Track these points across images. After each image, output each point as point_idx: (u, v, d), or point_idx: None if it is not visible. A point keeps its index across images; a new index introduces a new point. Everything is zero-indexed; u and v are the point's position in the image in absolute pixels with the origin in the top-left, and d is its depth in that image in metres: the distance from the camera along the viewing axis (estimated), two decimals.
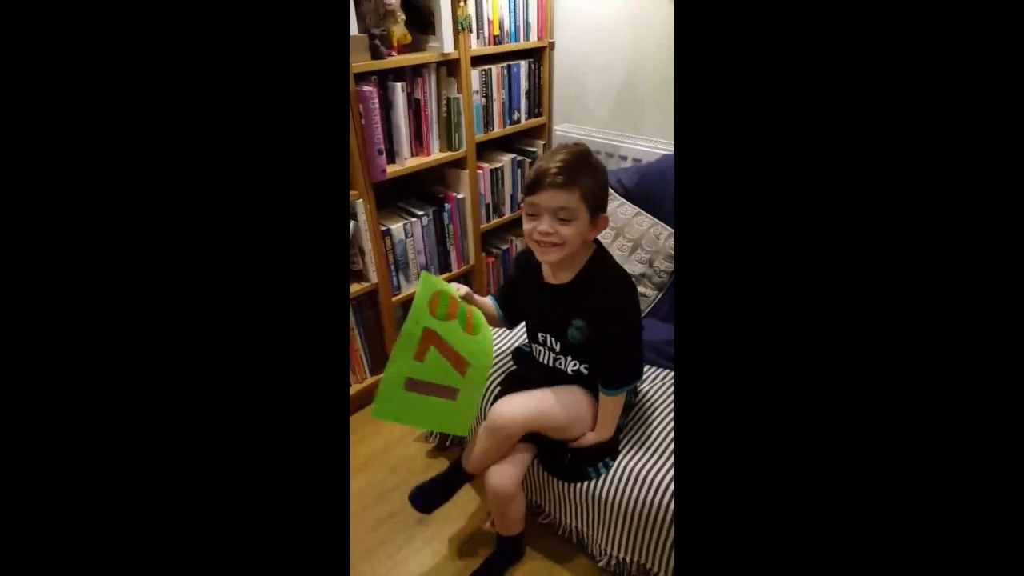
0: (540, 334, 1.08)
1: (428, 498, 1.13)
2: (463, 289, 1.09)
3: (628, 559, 1.06)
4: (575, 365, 1.05)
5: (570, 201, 0.87)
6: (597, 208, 0.91)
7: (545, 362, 1.10)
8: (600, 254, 0.99)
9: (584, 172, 0.87)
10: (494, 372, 1.24)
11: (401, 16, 1.37)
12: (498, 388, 1.20)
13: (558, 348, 1.06)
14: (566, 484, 1.07)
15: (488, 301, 1.16)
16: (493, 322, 1.15)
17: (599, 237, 0.99)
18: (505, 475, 1.04)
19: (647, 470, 1.00)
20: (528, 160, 1.87)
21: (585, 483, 1.04)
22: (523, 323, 1.19)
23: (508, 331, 1.36)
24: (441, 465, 1.43)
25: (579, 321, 0.99)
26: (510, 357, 1.28)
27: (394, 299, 1.59)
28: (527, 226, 0.92)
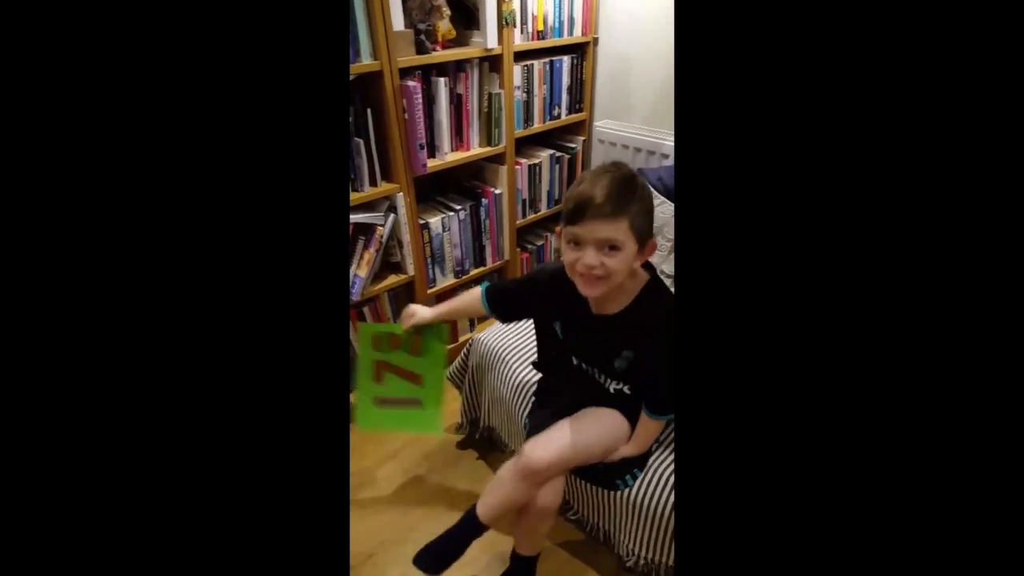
0: (575, 359, 1.04)
1: (437, 557, 1.00)
2: (416, 315, 1.08)
3: (656, 560, 1.05)
4: (618, 385, 1.02)
5: (617, 232, 0.80)
6: (645, 235, 0.85)
7: (586, 371, 1.06)
8: (654, 284, 0.94)
9: (631, 198, 0.81)
10: (522, 365, 1.25)
11: (447, 11, 1.38)
12: (532, 399, 1.20)
13: (596, 370, 1.03)
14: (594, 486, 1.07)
15: (470, 296, 1.12)
16: (478, 312, 1.12)
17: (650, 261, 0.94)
18: (555, 490, 0.98)
19: (673, 471, 0.99)
20: (567, 156, 1.87)
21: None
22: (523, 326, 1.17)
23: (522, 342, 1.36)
24: (470, 456, 1.45)
25: (628, 352, 0.96)
26: (529, 365, 1.24)
27: (430, 291, 1.61)
28: (569, 256, 0.84)
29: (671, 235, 1.41)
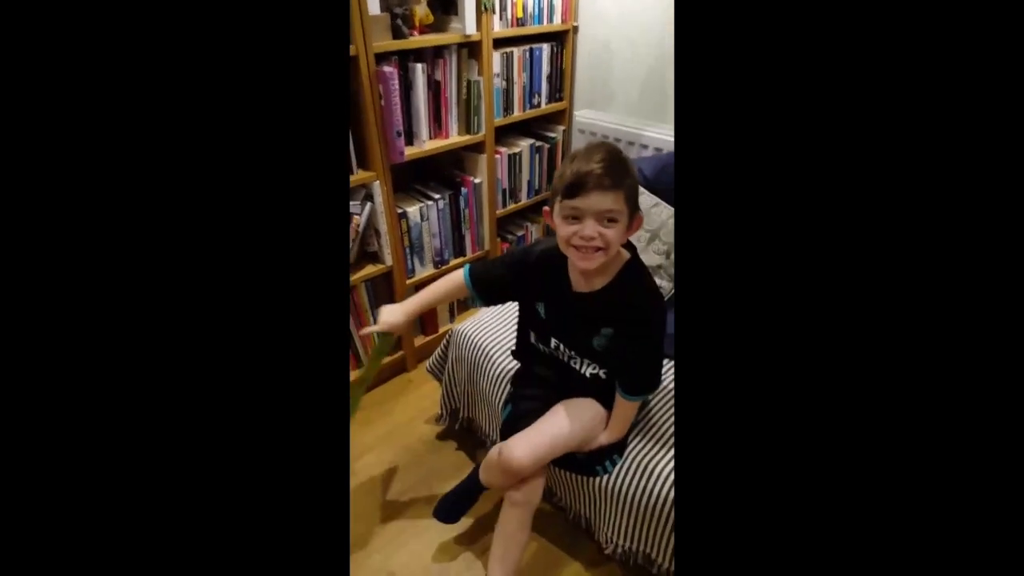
0: (553, 340, 1.05)
1: (451, 509, 1.18)
2: (391, 328, 1.09)
3: (633, 548, 1.06)
4: (593, 369, 1.03)
5: (616, 203, 0.84)
6: (635, 207, 0.88)
7: (560, 358, 1.07)
8: (636, 261, 0.97)
9: (625, 171, 0.85)
10: (504, 357, 1.25)
11: None
12: (508, 387, 1.20)
13: (573, 352, 1.04)
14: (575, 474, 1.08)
15: (449, 281, 1.11)
16: (459, 294, 1.12)
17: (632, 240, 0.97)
18: (530, 489, 1.02)
19: (654, 462, 1.01)
20: (547, 146, 1.86)
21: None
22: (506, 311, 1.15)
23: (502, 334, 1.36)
24: (450, 447, 1.45)
25: (607, 329, 0.97)
26: (509, 356, 1.24)
27: (408, 282, 1.59)
28: (566, 231, 0.86)
29: (650, 227, 1.41)
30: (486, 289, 1.09)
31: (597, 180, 0.82)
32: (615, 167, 0.83)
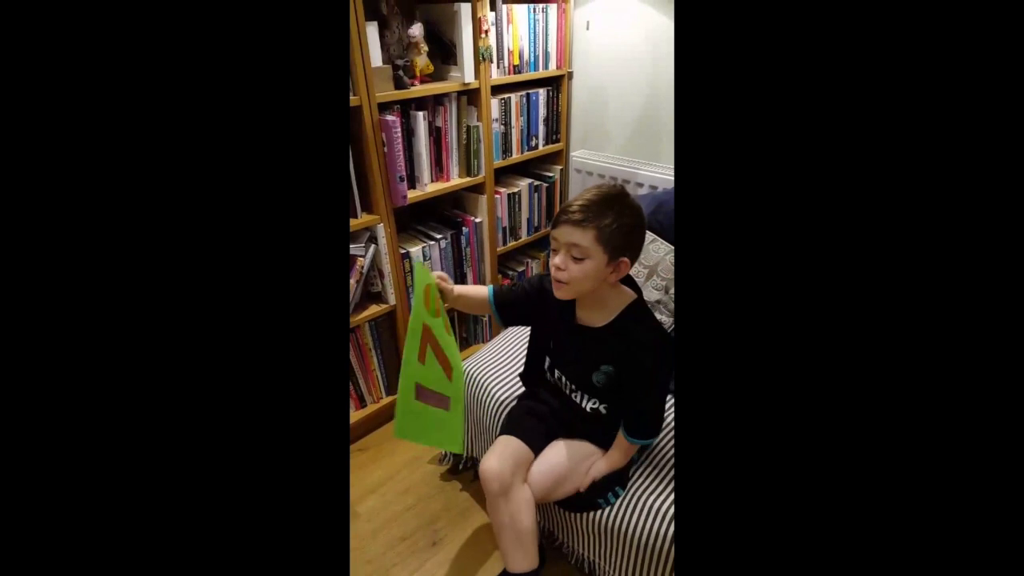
0: (557, 371, 1.07)
1: None
2: (452, 289, 1.01)
3: None
4: (594, 404, 1.04)
5: (583, 239, 0.85)
6: (617, 251, 0.88)
7: (563, 389, 1.09)
8: (639, 305, 0.98)
9: (607, 212, 0.85)
10: (506, 394, 1.25)
11: (424, 47, 1.42)
12: (506, 414, 1.20)
13: (574, 386, 1.05)
14: (578, 513, 1.06)
15: (480, 290, 1.10)
16: (481, 309, 1.10)
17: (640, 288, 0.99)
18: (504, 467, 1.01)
19: (656, 499, 1.00)
20: (545, 185, 1.90)
21: (596, 513, 1.03)
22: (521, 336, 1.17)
23: (511, 358, 1.37)
24: (454, 488, 1.43)
25: (608, 367, 0.98)
26: (511, 393, 1.26)
27: None
28: (550, 259, 0.93)
29: (648, 263, 1.44)
30: (505, 306, 1.09)
31: (570, 214, 0.86)
32: (595, 207, 0.85)
